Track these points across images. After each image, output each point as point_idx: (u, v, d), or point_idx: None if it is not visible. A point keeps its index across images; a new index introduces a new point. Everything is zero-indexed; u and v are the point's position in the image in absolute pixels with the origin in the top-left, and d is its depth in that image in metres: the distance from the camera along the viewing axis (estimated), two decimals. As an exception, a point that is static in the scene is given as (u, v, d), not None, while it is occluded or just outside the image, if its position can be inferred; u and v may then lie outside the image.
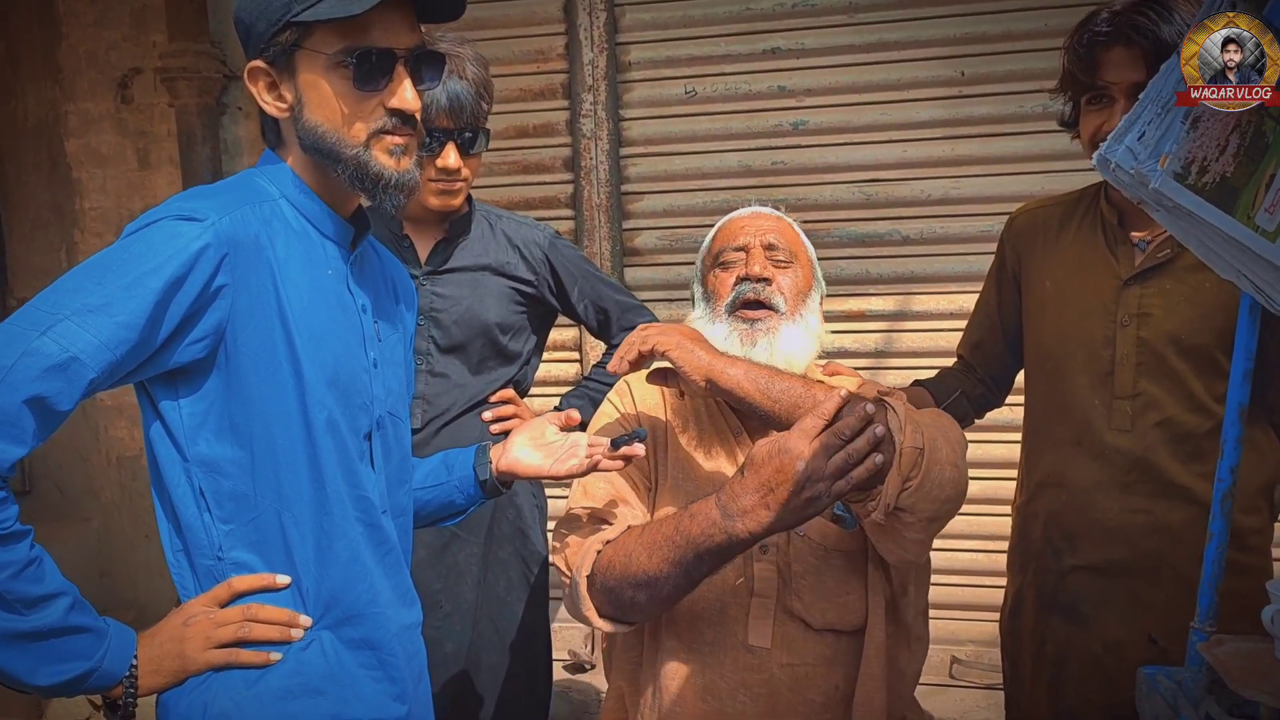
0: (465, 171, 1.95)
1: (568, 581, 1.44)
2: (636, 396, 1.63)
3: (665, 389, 1.60)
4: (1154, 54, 1.53)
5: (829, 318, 1.66)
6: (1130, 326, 1.64)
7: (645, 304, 2.26)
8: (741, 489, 1.27)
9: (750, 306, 1.54)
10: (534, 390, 2.41)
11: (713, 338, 1.51)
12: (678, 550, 1.31)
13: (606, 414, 1.64)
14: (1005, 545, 1.93)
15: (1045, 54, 3.05)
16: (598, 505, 1.50)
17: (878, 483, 1.26)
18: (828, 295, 1.67)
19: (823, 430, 1.23)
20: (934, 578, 1.60)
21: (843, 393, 1.26)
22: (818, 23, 3.25)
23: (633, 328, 2.22)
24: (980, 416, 2.05)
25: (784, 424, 1.33)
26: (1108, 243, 1.70)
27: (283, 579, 1.20)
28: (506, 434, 2.07)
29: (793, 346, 1.51)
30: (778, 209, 1.67)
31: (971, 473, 1.38)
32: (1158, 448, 1.63)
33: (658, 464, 1.57)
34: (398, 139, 1.20)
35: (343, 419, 1.22)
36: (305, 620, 1.20)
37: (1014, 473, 1.94)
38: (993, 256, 1.97)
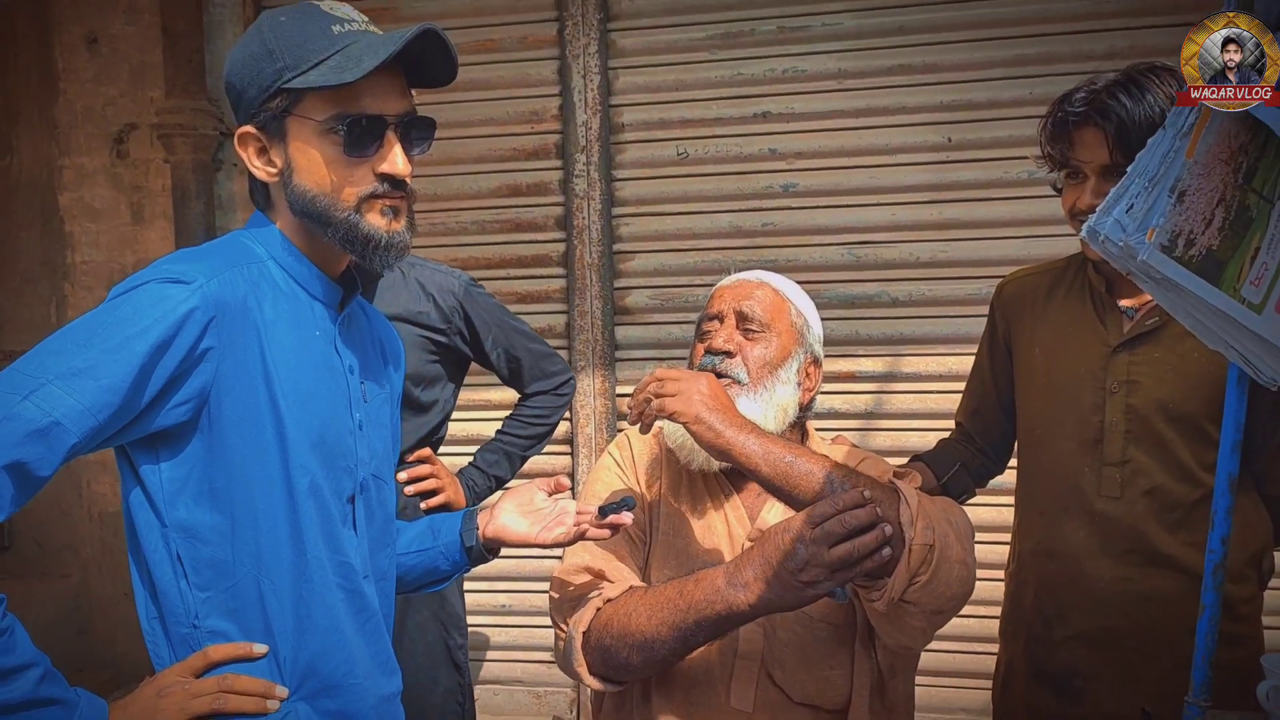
0: None
1: (563, 636, 1.45)
2: (635, 450, 1.65)
3: (662, 444, 1.61)
4: (1118, 137, 1.55)
5: (818, 379, 1.65)
6: (1119, 394, 1.64)
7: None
8: (746, 561, 1.30)
9: None
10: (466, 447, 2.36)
11: None
12: (679, 613, 1.33)
13: (606, 466, 1.64)
14: (997, 611, 1.90)
15: (1030, 121, 3.02)
16: (596, 562, 1.50)
17: (885, 574, 1.26)
18: (819, 357, 1.66)
19: (829, 518, 1.24)
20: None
21: (865, 492, 1.26)
22: (808, 88, 3.29)
23: (545, 376, 2.25)
24: (982, 486, 2.03)
25: (798, 505, 1.34)
26: (1096, 310, 1.71)
27: (260, 648, 1.17)
28: (427, 494, 2.07)
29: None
30: (766, 274, 1.65)
31: (962, 537, 1.37)
32: (1147, 516, 1.62)
33: (651, 519, 1.58)
34: (388, 201, 1.20)
35: (326, 482, 1.20)
36: (282, 691, 1.17)
37: (1005, 537, 1.92)
38: (980, 319, 1.98)
